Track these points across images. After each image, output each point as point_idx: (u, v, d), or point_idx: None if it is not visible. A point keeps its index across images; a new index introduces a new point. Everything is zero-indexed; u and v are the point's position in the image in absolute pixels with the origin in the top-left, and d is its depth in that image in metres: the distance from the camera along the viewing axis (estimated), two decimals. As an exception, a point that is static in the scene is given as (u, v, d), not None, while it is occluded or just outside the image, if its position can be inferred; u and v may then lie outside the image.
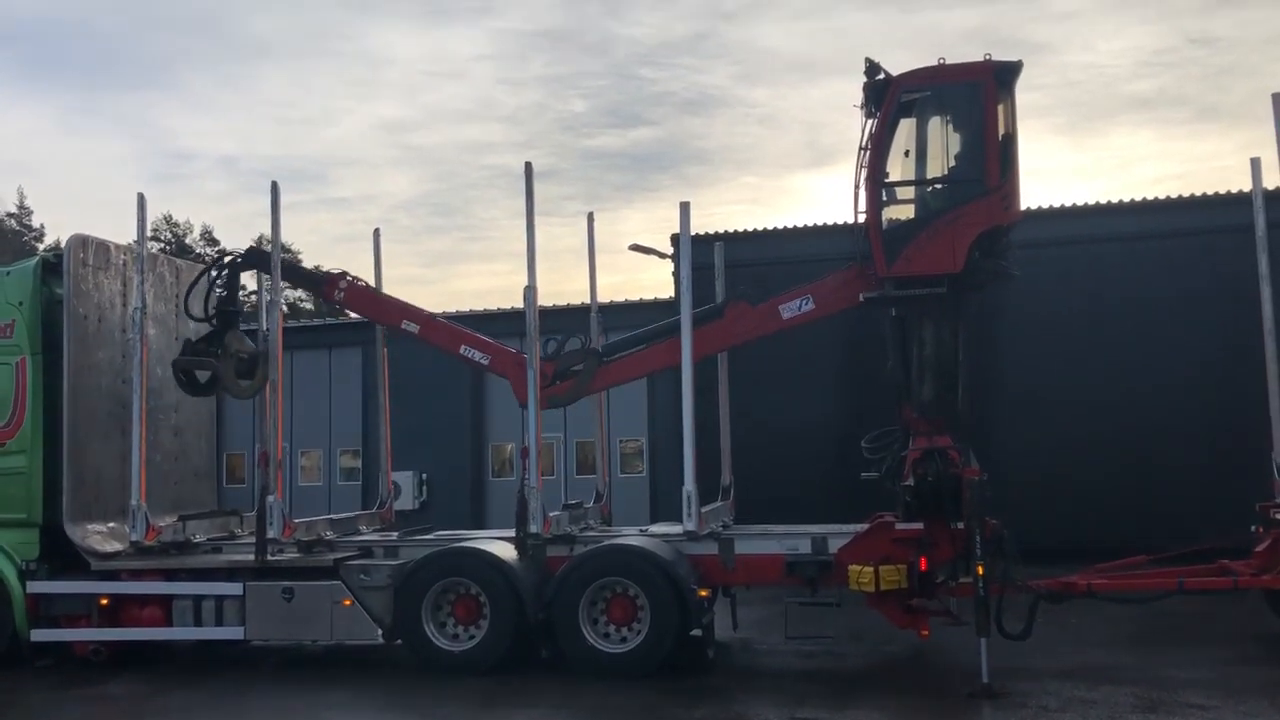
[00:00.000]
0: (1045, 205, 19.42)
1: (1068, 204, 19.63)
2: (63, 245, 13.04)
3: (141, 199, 12.49)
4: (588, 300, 14.31)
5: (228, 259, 13.30)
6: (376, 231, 14.45)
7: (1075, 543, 14.86)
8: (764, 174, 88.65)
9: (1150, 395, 18.10)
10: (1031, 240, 17.00)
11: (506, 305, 23.57)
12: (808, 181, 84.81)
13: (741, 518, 13.03)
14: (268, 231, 13.08)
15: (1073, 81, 75.55)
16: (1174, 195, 19.27)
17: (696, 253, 14.00)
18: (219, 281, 13.10)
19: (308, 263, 70.19)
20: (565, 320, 17.63)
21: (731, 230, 20.11)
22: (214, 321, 12.85)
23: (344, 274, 13.06)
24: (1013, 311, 17.33)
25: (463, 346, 12.61)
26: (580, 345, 12.45)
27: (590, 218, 13.88)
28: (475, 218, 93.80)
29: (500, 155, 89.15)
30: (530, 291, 11.60)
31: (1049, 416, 18.27)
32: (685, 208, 11.43)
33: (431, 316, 12.91)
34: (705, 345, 11.75)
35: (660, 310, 17.96)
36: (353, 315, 16.89)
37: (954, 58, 10.90)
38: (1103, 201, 19.65)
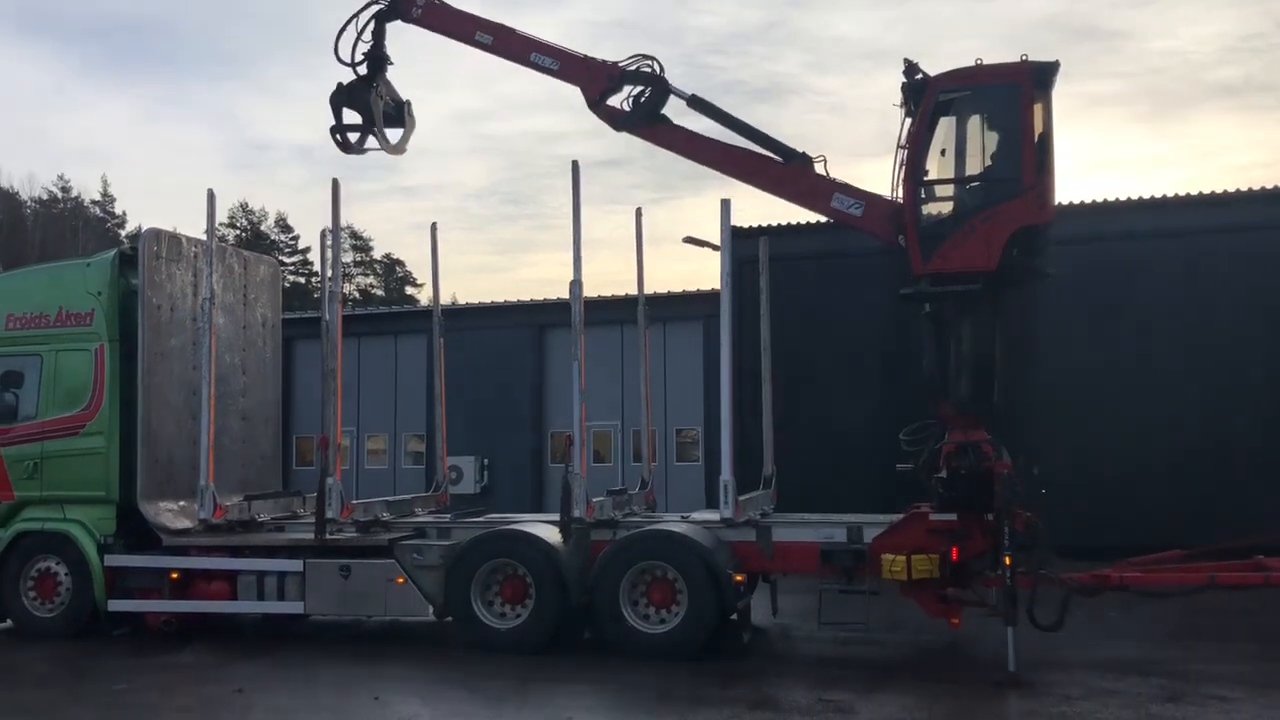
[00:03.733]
0: (1100, 199, 19.40)
1: (1120, 198, 19.50)
2: (139, 237, 13.72)
3: (211, 195, 13.10)
4: (647, 290, 14.60)
5: (374, 7, 13.25)
6: (434, 225, 15.23)
7: (1118, 540, 14.86)
8: (835, 163, 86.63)
9: (1198, 392, 18.02)
10: (1086, 235, 17.17)
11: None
12: (880, 170, 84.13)
13: (784, 508, 13.31)
14: (342, 220, 13.51)
15: (1154, 69, 74.19)
16: (1244, 189, 18.96)
17: (750, 246, 14.30)
18: (365, 30, 13.17)
19: (379, 250, 71.82)
20: (622, 310, 18.05)
21: (797, 223, 19.21)
22: (358, 70, 13.19)
23: None
24: (1061, 306, 17.34)
25: (533, 54, 12.74)
26: (651, 71, 12.53)
27: (639, 213, 14.19)
28: (546, 206, 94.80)
29: (571, 145, 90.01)
30: (576, 286, 11.99)
31: (1095, 412, 18.22)
32: (726, 205, 11.71)
33: (503, 26, 12.93)
34: (752, 176, 11.86)
35: (713, 301, 18.05)
36: (420, 303, 17.22)
37: (1030, 46, 10.99)
38: (1159, 195, 19.37)
